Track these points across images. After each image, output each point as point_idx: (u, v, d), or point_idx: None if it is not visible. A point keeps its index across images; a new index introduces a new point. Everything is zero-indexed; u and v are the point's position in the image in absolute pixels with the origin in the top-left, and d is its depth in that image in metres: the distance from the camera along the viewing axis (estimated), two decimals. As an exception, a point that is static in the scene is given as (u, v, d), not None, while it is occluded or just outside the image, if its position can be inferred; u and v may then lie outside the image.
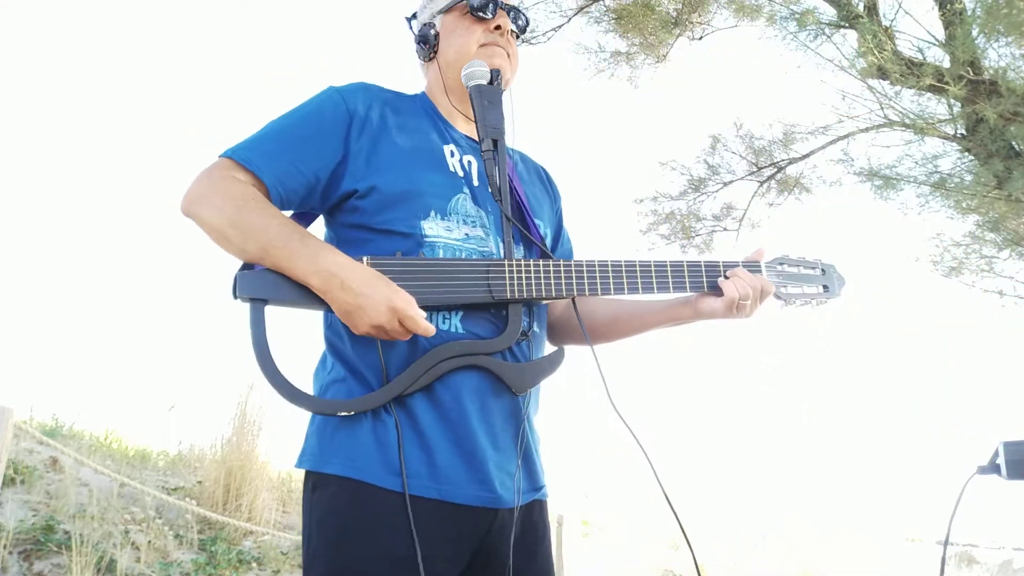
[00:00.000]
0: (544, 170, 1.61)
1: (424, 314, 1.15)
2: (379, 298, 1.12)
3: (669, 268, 1.34)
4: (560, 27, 6.69)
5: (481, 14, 1.39)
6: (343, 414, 1.18)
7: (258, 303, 1.15)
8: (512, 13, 1.45)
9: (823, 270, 1.50)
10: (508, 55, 1.42)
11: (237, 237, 1.16)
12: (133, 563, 3.80)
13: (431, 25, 1.44)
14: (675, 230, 7.33)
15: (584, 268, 1.29)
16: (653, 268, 1.33)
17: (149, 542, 4.00)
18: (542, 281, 1.25)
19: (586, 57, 6.87)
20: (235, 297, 1.16)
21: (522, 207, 1.38)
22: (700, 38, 6.81)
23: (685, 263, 1.35)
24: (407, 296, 1.14)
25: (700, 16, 6.64)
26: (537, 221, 1.41)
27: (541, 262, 1.27)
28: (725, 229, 7.32)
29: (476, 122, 1.28)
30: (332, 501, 1.17)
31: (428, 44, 1.43)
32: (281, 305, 1.17)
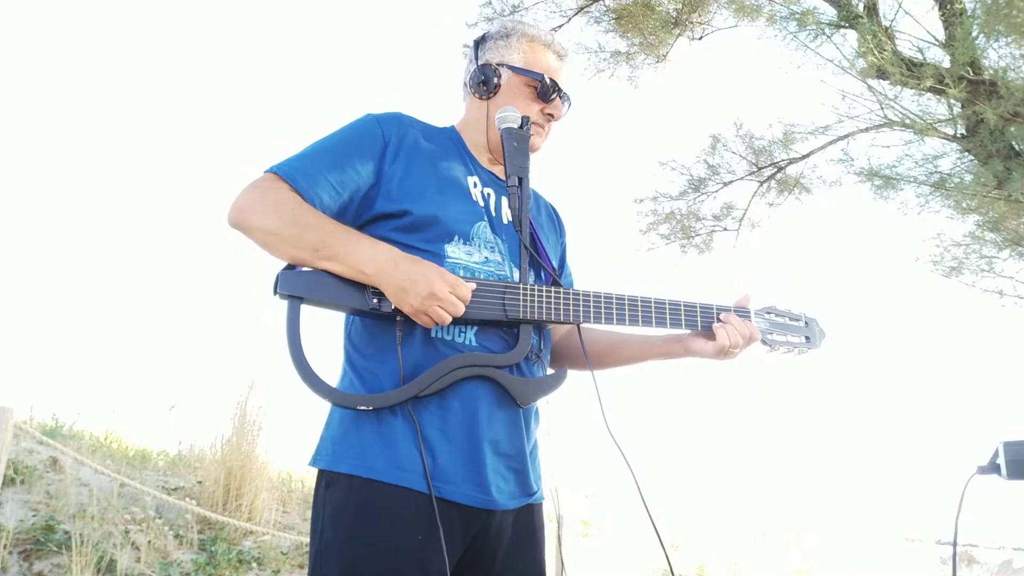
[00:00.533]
0: (553, 208, 1.73)
1: (471, 285, 1.28)
2: (430, 272, 1.24)
3: (668, 307, 1.46)
4: (560, 27, 6.69)
5: (544, 97, 1.53)
6: (362, 408, 1.26)
7: (295, 301, 1.25)
8: (567, 104, 1.59)
9: (807, 322, 1.62)
10: (546, 134, 1.58)
11: (294, 233, 1.25)
12: (133, 563, 3.80)
13: (497, 72, 1.54)
14: (675, 230, 7.34)
15: (591, 299, 1.40)
16: (653, 305, 1.45)
17: (149, 542, 4.00)
18: (552, 306, 1.37)
19: (586, 57, 6.88)
20: (275, 293, 1.26)
21: (535, 239, 1.51)
22: (700, 38, 6.81)
23: (682, 304, 1.47)
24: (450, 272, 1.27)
25: (700, 16, 6.64)
26: (548, 253, 1.54)
27: (552, 289, 1.38)
28: (725, 229, 7.34)
29: (504, 159, 1.41)
30: (344, 498, 1.26)
31: (488, 87, 1.53)
32: (315, 305, 1.27)
